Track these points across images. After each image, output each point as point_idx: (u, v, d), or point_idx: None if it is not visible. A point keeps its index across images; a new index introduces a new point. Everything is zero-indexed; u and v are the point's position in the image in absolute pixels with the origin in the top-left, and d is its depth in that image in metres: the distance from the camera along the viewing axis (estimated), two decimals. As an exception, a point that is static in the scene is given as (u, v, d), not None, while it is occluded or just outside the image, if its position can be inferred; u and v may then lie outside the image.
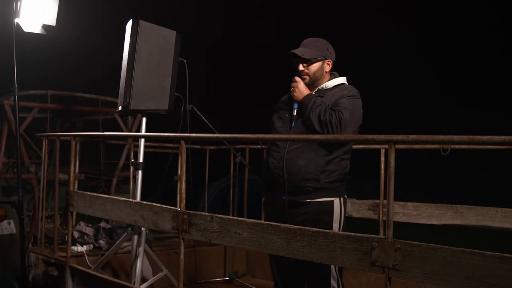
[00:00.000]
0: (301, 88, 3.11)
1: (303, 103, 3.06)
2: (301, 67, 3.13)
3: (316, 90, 3.16)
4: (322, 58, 3.13)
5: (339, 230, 3.01)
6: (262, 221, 2.58)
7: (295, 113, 3.11)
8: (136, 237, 3.74)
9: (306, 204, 3.02)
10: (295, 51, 3.11)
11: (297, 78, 3.14)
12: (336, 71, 3.25)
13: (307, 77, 3.14)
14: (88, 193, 3.69)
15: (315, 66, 3.13)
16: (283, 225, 2.39)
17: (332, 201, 3.03)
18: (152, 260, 4.00)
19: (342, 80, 3.20)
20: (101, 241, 4.67)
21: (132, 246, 3.78)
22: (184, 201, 2.84)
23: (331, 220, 3.02)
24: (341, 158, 3.05)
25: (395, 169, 2.10)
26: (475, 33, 10.88)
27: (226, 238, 2.59)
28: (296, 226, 2.34)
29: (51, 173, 4.78)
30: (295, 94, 3.12)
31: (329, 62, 3.17)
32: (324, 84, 3.16)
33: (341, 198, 3.07)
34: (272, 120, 3.25)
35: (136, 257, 3.68)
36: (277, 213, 3.06)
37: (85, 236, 4.70)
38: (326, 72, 3.17)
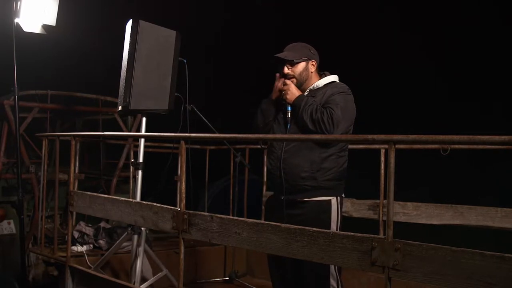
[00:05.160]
0: (292, 90, 3.14)
1: (296, 105, 3.09)
2: (286, 70, 3.17)
3: (308, 90, 3.18)
4: (306, 58, 3.18)
5: (336, 229, 3.02)
6: (262, 221, 2.58)
7: (289, 116, 3.13)
8: (136, 237, 3.73)
9: (304, 203, 3.03)
10: (279, 54, 3.15)
11: (288, 81, 3.17)
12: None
13: (294, 80, 3.17)
14: (88, 193, 3.69)
15: (299, 67, 3.16)
16: (283, 225, 2.39)
17: (330, 200, 3.04)
18: (152, 260, 4.00)
19: (333, 78, 3.22)
20: (101, 241, 4.67)
21: (132, 246, 3.78)
22: (184, 201, 2.84)
23: (329, 220, 3.03)
24: (337, 155, 3.07)
25: (395, 169, 2.10)
26: (476, 31, 10.88)
27: (226, 238, 2.59)
28: (296, 226, 2.34)
29: (51, 173, 4.78)
30: (287, 96, 3.14)
31: (313, 63, 3.20)
32: (315, 83, 3.19)
33: (338, 197, 3.08)
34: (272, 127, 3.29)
35: (136, 257, 3.68)
36: (277, 213, 3.07)
37: (85, 236, 4.70)
38: (311, 72, 3.19)
